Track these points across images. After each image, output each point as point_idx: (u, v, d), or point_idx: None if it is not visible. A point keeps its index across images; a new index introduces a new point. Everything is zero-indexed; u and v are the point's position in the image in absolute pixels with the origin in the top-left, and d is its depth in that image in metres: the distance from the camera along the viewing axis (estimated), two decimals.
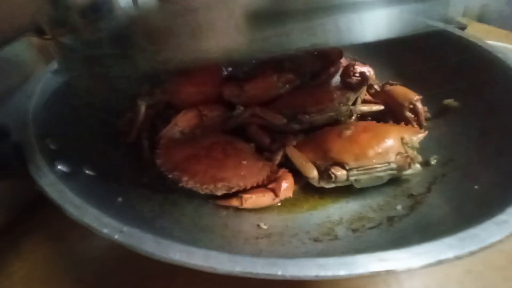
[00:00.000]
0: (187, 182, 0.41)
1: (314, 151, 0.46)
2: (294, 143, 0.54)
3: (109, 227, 0.23)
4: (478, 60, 0.52)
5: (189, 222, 0.38)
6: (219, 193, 0.42)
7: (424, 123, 0.52)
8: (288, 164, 0.48)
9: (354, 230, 0.36)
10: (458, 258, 0.19)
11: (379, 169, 0.41)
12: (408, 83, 0.61)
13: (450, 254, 0.19)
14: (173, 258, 0.21)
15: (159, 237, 0.22)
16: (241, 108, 0.54)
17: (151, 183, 0.44)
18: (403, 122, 0.51)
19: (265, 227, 0.38)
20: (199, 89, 0.61)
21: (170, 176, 0.42)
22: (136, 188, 0.41)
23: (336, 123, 0.57)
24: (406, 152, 0.42)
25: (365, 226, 0.36)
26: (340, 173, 0.42)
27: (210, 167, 0.42)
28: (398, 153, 0.41)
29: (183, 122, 0.54)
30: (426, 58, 0.61)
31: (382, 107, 0.58)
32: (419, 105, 0.52)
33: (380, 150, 0.41)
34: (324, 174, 0.44)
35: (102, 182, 0.38)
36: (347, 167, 0.42)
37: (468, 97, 0.50)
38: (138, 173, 0.45)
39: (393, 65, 0.67)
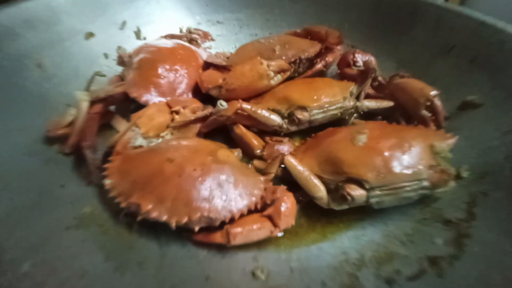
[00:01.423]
0: (151, 213, 0.29)
1: (320, 161, 0.36)
2: (291, 149, 0.43)
3: None
4: (505, 48, 0.44)
5: (154, 275, 0.26)
6: (196, 227, 0.30)
7: (444, 124, 0.44)
8: (284, 176, 0.37)
9: (388, 281, 0.26)
10: None
11: (408, 189, 0.32)
12: (416, 75, 0.52)
13: None
14: None
15: None
16: (223, 103, 0.42)
17: (92, 216, 0.30)
18: (418, 123, 0.42)
19: (263, 276, 0.27)
20: (168, 77, 0.48)
21: (124, 205, 0.30)
22: (64, 225, 0.28)
23: (338, 122, 0.48)
24: (439, 164, 0.33)
25: (401, 273, 0.27)
26: (358, 193, 0.32)
27: (183, 189, 0.30)
28: (430, 167, 0.32)
29: (145, 122, 0.41)
30: (436, 46, 0.53)
31: (391, 104, 0.49)
32: (438, 102, 0.43)
33: (408, 164, 0.32)
34: (336, 194, 0.33)
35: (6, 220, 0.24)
36: (367, 186, 0.32)
37: (495, 92, 0.42)
38: (71, 200, 0.31)
39: (396, 53, 0.58)
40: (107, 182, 0.31)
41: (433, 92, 0.44)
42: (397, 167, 0.32)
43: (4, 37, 0.38)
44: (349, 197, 0.32)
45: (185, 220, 0.29)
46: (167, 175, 0.31)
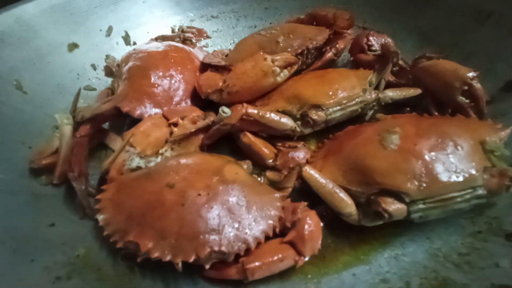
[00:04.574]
0: (151, 252, 0.25)
1: (346, 170, 0.31)
2: (308, 155, 0.38)
3: None
4: None
5: None
6: (207, 264, 0.25)
7: (486, 110, 0.37)
8: (302, 187, 0.32)
9: None
10: None
11: (459, 200, 0.26)
12: (445, 55, 0.45)
13: None
14: None
15: None
16: (226, 110, 0.37)
17: (87, 259, 0.26)
18: (454, 112, 0.36)
19: None
20: (162, 85, 0.43)
21: (121, 245, 0.25)
22: (53, 275, 0.23)
23: (357, 117, 0.42)
24: (495, 166, 0.27)
25: None
26: (396, 208, 0.26)
27: (187, 221, 0.26)
28: (485, 169, 0.26)
29: (141, 139, 0.37)
30: (468, 16, 0.45)
31: (419, 91, 0.42)
32: (477, 84, 0.37)
33: (457, 169, 0.26)
34: (368, 208, 0.28)
35: None
36: (407, 199, 0.26)
37: None
38: (63, 241, 0.27)
39: (418, 30, 0.51)
40: (100, 217, 0.27)
41: (471, 74, 0.37)
42: (443, 174, 0.26)
43: None
44: (385, 214, 0.26)
45: (192, 258, 0.25)
46: (167, 205, 0.27)
